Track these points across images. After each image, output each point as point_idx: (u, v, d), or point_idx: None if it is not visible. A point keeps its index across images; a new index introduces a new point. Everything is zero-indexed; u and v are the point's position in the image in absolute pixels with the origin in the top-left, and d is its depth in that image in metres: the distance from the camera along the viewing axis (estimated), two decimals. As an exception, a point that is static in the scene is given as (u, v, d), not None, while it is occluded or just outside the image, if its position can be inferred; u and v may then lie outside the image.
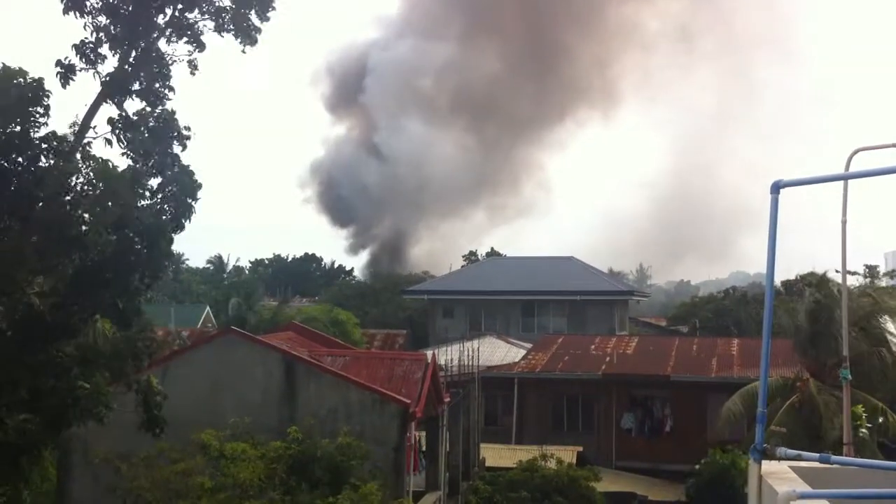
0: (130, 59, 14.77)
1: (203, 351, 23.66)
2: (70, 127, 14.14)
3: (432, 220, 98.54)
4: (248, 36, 15.33)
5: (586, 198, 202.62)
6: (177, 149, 14.81)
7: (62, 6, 14.60)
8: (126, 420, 15.11)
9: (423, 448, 26.24)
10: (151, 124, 14.54)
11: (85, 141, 14.17)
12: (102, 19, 14.68)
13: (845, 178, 7.90)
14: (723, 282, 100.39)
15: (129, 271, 13.78)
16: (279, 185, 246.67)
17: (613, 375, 36.63)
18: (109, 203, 13.19)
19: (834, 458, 5.38)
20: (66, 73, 14.37)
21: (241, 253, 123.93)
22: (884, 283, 51.70)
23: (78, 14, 14.64)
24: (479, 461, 31.27)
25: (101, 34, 14.66)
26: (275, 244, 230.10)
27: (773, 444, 5.51)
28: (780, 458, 5.39)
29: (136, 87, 14.78)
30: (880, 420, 24.28)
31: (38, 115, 13.60)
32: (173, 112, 14.92)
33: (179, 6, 14.98)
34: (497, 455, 32.33)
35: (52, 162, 13.63)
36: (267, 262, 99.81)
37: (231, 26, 15.27)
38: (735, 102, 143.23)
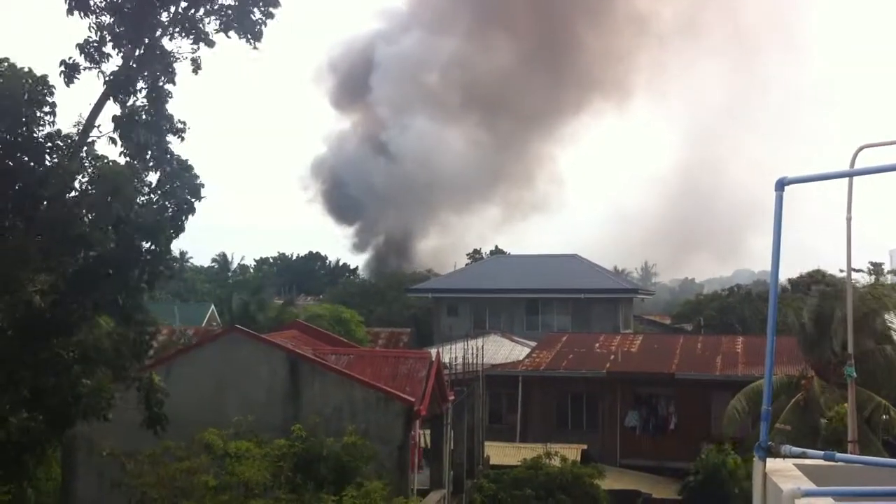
0: (134, 58, 14.77)
1: (207, 349, 23.68)
2: (74, 126, 14.16)
3: (440, 217, 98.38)
4: (252, 34, 15.31)
5: (594, 194, 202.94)
6: (174, 142, 14.84)
7: (66, 6, 14.61)
8: (131, 418, 15.13)
9: (428, 446, 26.25)
10: (145, 118, 14.53)
11: (89, 140, 14.18)
12: (106, 18, 14.69)
13: (850, 174, 7.87)
14: (727, 279, 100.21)
15: (129, 268, 13.80)
16: (284, 184, 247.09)
17: (618, 373, 36.61)
18: (112, 201, 13.20)
19: (839, 455, 5.36)
20: (70, 72, 14.38)
21: (246, 251, 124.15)
22: (889, 280, 51.59)
23: (82, 14, 14.65)
24: (484, 459, 31.27)
25: (105, 33, 14.67)
26: (279, 243, 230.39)
27: (778, 441, 5.49)
28: (784, 456, 5.37)
29: (140, 85, 14.78)
30: (884, 417, 24.26)
31: (43, 115, 13.63)
32: (165, 102, 14.91)
33: (183, 4, 14.98)
34: (501, 453, 32.32)
35: (56, 161, 13.65)
36: (272, 260, 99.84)
37: (235, 24, 15.26)
38: (745, 98, 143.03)
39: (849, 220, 9.88)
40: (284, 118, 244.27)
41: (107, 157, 14.05)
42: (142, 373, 14.84)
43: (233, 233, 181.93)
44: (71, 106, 14.27)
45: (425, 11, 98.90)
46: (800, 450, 5.34)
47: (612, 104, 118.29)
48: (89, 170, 13.76)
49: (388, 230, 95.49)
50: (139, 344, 14.48)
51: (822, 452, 5.30)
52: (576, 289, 52.94)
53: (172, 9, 15.02)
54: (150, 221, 13.95)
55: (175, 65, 15.08)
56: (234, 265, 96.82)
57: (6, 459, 13.92)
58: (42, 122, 13.71)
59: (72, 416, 13.87)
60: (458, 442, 27.66)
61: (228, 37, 15.33)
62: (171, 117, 14.77)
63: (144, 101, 14.73)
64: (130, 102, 14.65)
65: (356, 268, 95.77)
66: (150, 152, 14.42)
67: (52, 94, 13.65)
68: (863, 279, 46.62)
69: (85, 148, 14.09)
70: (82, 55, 14.67)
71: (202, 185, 14.71)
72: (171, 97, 14.91)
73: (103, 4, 14.74)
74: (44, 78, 13.70)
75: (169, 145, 14.74)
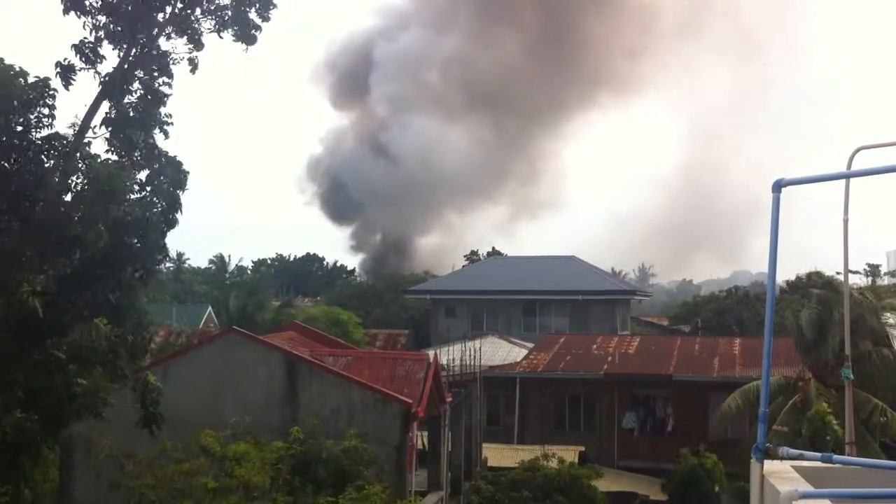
0: (130, 58, 14.77)
1: (205, 351, 23.68)
2: (70, 127, 14.15)
3: (441, 216, 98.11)
4: (247, 35, 15.33)
5: (593, 193, 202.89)
6: (160, 138, 14.85)
7: (62, 7, 14.60)
8: (128, 419, 15.13)
9: (426, 448, 26.23)
10: (133, 115, 14.54)
11: (85, 141, 14.18)
12: (102, 18, 14.69)
13: (847, 176, 7.85)
14: (725, 281, 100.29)
15: (121, 266, 13.80)
16: (282, 185, 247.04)
17: (615, 375, 36.60)
18: (108, 203, 13.20)
19: (836, 457, 5.36)
20: (66, 73, 14.37)
21: (244, 253, 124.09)
22: (886, 281, 51.68)
23: (78, 14, 14.64)
24: (481, 461, 31.25)
25: (101, 33, 14.67)
26: (277, 244, 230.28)
27: (775, 443, 5.49)
28: (782, 458, 5.37)
29: (136, 85, 14.79)
30: (882, 419, 24.29)
31: (42, 116, 13.61)
32: (160, 102, 14.92)
33: (180, 4, 14.99)
34: (499, 455, 32.31)
35: (52, 162, 13.64)
36: (269, 261, 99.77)
37: (231, 25, 15.27)
38: (747, 98, 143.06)
39: (846, 221, 9.87)
40: (282, 118, 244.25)
41: (100, 157, 14.04)
42: (138, 373, 14.81)
43: (230, 234, 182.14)
44: (66, 106, 14.27)
45: (425, 7, 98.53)
46: (797, 451, 5.34)
47: (612, 102, 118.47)
48: (84, 170, 13.74)
49: (387, 230, 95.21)
50: (137, 344, 14.47)
51: (819, 454, 5.30)
52: (573, 290, 52.96)
53: (168, 9, 15.02)
54: (141, 218, 13.96)
55: (172, 65, 15.10)
56: (232, 266, 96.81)
57: (2, 461, 13.90)
58: (41, 125, 13.71)
59: (66, 415, 13.87)
60: (455, 443, 27.64)
61: (221, 37, 15.33)
62: (158, 114, 14.79)
63: (136, 99, 14.74)
64: (125, 101, 14.67)
65: (353, 269, 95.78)
66: (138, 150, 14.43)
67: (53, 97, 13.63)
68: (860, 281, 46.74)
69: (80, 149, 14.07)
70: (78, 56, 14.67)
71: (187, 174, 14.71)
72: (167, 97, 14.92)
73: (99, 5, 14.74)
74: (45, 80, 13.67)
75: (155, 141, 14.78)
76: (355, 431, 20.06)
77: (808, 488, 4.94)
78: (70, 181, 13.71)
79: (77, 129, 14.24)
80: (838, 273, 33.20)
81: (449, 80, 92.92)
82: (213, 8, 15.27)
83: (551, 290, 53.57)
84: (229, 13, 15.31)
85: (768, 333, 5.67)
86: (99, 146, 14.48)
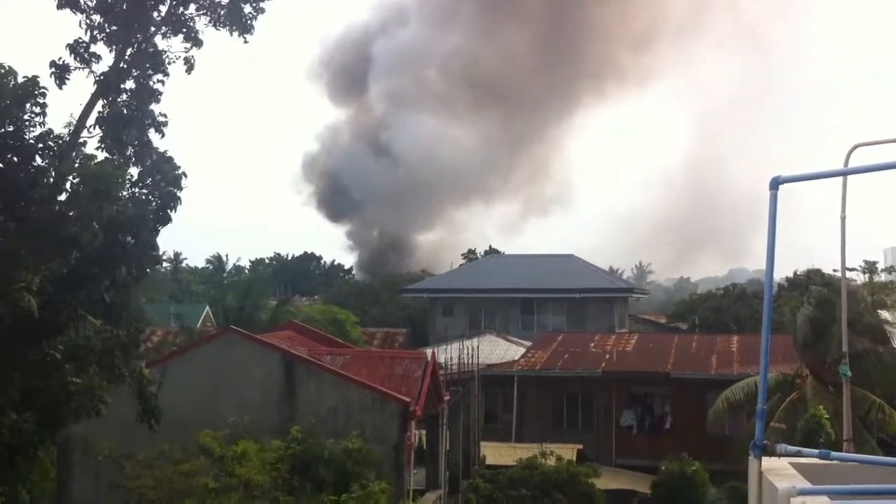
0: (126, 57, 14.75)
1: (203, 350, 23.65)
2: (65, 126, 14.12)
3: (441, 214, 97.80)
4: (243, 27, 15.30)
5: (592, 192, 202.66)
6: (155, 137, 14.83)
7: (56, 2, 14.56)
8: (126, 420, 15.10)
9: (424, 446, 26.24)
10: (126, 112, 14.52)
11: (80, 140, 14.16)
12: (97, 17, 14.65)
13: (844, 173, 7.88)
14: (722, 279, 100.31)
15: (115, 265, 13.78)
16: (280, 184, 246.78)
17: (613, 373, 36.61)
18: (102, 202, 13.18)
19: (834, 454, 5.37)
20: (61, 73, 14.33)
21: (242, 252, 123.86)
22: (882, 278, 51.70)
23: (72, 9, 14.60)
24: (480, 459, 31.26)
25: (96, 32, 14.64)
26: (274, 243, 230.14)
27: (773, 440, 5.49)
28: (780, 455, 5.37)
29: (131, 84, 14.77)
30: (879, 416, 24.33)
31: (34, 115, 13.57)
32: (154, 101, 14.90)
33: (174, 2, 14.97)
34: (497, 453, 32.31)
35: (46, 162, 13.62)
36: (267, 261, 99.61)
37: (226, 20, 15.25)
38: (749, 98, 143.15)
39: (843, 218, 9.89)
40: (280, 118, 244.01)
41: (95, 157, 14.02)
42: (133, 369, 14.78)
43: (228, 233, 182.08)
44: (61, 106, 14.25)
45: (426, 1, 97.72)
46: (795, 448, 5.34)
47: (619, 94, 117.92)
48: (78, 170, 13.72)
49: (385, 228, 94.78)
50: (130, 339, 14.44)
51: (817, 451, 5.31)
52: (571, 288, 52.95)
53: (163, 7, 14.99)
54: (134, 216, 13.94)
55: (168, 64, 15.08)
56: (230, 266, 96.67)
57: (-1, 461, 13.89)
58: (33, 123, 13.67)
59: (63, 415, 13.84)
60: (453, 442, 27.65)
61: (218, 29, 15.31)
62: (152, 112, 14.78)
63: (130, 98, 14.72)
64: (120, 100, 14.66)
65: (351, 268, 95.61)
66: (132, 148, 14.42)
67: (43, 95, 13.59)
68: (857, 278, 46.76)
69: (75, 149, 14.05)
70: (72, 55, 14.64)
71: (184, 175, 14.69)
72: (160, 95, 14.90)
73: (93, 4, 14.70)
74: (34, 79, 13.64)
75: (149, 139, 14.76)
76: (358, 432, 20.04)
77: (806, 485, 4.95)
78: (65, 180, 13.68)
79: (72, 128, 14.20)
80: (835, 270, 33.24)
81: (448, 74, 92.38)
82: (207, 4, 15.24)
83: (549, 289, 53.56)
84: (224, 10, 15.27)
85: (766, 331, 5.68)
86: (94, 145, 14.46)
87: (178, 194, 14.51)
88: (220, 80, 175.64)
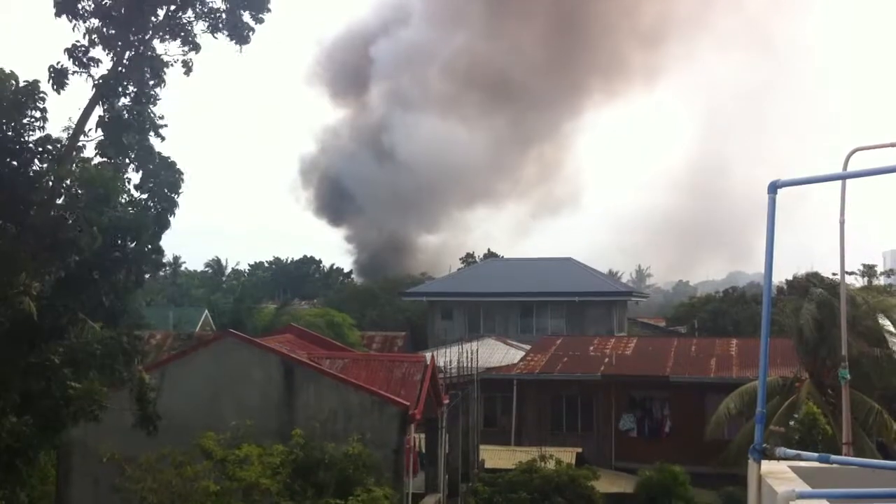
0: (124, 61, 14.76)
1: (202, 354, 23.63)
2: (64, 130, 14.14)
3: (443, 216, 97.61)
4: (240, 36, 15.32)
5: (593, 194, 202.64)
6: (155, 141, 14.85)
7: (54, 9, 14.58)
8: (126, 424, 15.10)
9: (423, 450, 26.22)
10: (127, 117, 14.53)
11: (79, 144, 14.17)
12: (95, 22, 14.67)
13: (842, 177, 7.87)
14: (721, 282, 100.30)
15: (114, 269, 13.79)
16: (278, 188, 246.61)
17: (612, 376, 36.60)
18: (102, 206, 13.19)
19: (833, 457, 5.37)
20: (60, 77, 14.34)
21: (241, 256, 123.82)
22: (881, 282, 51.75)
23: (70, 17, 14.62)
24: (479, 463, 31.24)
25: (94, 36, 14.65)
26: (273, 247, 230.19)
27: (772, 443, 5.50)
28: (779, 458, 5.38)
29: (130, 88, 14.78)
30: (878, 419, 24.33)
31: (33, 120, 13.59)
32: (153, 104, 14.92)
33: (172, 7, 14.99)
34: (496, 456, 32.29)
35: (45, 166, 13.63)
36: (266, 264, 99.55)
37: (225, 27, 15.27)
38: (751, 97, 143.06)
39: (842, 222, 9.88)
40: (280, 118, 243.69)
41: (94, 161, 14.03)
42: (133, 374, 14.80)
43: (228, 237, 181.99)
44: (60, 110, 14.26)
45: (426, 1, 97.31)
46: (794, 452, 5.35)
47: (625, 89, 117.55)
48: (77, 174, 13.73)
49: (386, 230, 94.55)
50: (131, 345, 14.45)
51: (816, 455, 5.32)
52: (570, 292, 52.95)
53: (161, 12, 15.01)
54: (134, 220, 13.95)
55: (166, 68, 15.10)
56: (229, 270, 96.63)
57: (-2, 464, 13.89)
58: (32, 128, 13.69)
59: (63, 419, 13.84)
60: (452, 445, 27.64)
61: (216, 37, 15.33)
62: (151, 116, 14.79)
63: (129, 102, 14.74)
64: (119, 104, 14.67)
65: (350, 272, 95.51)
66: (132, 152, 14.43)
67: (43, 100, 13.61)
68: (856, 282, 46.78)
69: (74, 153, 14.07)
70: (71, 60, 14.65)
71: (182, 178, 14.71)
72: (158, 99, 14.92)
73: (92, 8, 14.72)
74: (35, 83, 13.66)
75: (149, 143, 14.78)
76: (359, 437, 20.03)
77: (806, 488, 4.95)
78: (64, 184, 13.69)
79: (71, 132, 14.22)
80: (834, 274, 33.24)
81: (452, 73, 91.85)
82: (206, 10, 15.27)
83: (548, 292, 53.56)
84: (223, 16, 15.30)
85: (765, 334, 5.69)
86: (93, 149, 14.48)
87: (177, 199, 14.53)
88: (219, 80, 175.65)
